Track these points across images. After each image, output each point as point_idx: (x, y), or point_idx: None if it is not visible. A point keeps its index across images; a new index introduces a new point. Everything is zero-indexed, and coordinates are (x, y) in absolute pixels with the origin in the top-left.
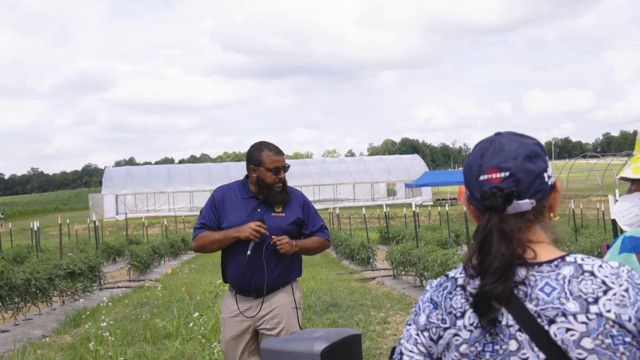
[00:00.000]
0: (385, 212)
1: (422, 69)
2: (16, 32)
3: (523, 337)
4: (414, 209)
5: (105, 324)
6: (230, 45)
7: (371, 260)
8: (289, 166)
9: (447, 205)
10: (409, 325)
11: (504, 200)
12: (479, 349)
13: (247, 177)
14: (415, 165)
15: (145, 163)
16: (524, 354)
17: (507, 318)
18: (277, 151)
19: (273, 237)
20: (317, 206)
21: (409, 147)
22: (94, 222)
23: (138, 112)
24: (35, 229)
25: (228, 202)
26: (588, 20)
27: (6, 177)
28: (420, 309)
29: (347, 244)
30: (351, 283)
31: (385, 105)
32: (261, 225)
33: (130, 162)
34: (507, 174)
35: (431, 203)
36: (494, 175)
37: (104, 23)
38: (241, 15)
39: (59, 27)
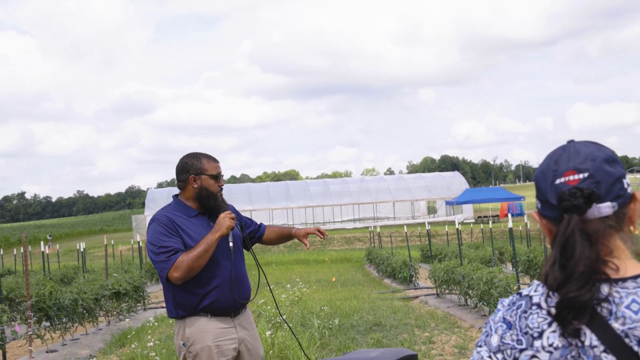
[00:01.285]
0: (428, 230)
1: (461, 85)
2: (63, 58)
3: (609, 358)
4: (457, 226)
5: (151, 343)
6: (269, 66)
7: (413, 278)
8: (223, 175)
9: (490, 222)
10: (480, 347)
11: (585, 200)
12: None
13: (176, 197)
14: (456, 183)
15: None
16: None
17: (590, 338)
18: (215, 158)
19: (320, 228)
20: (356, 225)
21: (448, 164)
22: (138, 242)
23: (179, 134)
24: (82, 250)
25: (178, 223)
26: (632, 31)
27: (53, 199)
28: (492, 330)
29: (389, 263)
30: (394, 302)
31: (424, 123)
32: (232, 213)
33: (172, 183)
34: (586, 174)
35: (472, 220)
36: (571, 177)
37: (146, 48)
38: (279, 36)
39: (104, 52)
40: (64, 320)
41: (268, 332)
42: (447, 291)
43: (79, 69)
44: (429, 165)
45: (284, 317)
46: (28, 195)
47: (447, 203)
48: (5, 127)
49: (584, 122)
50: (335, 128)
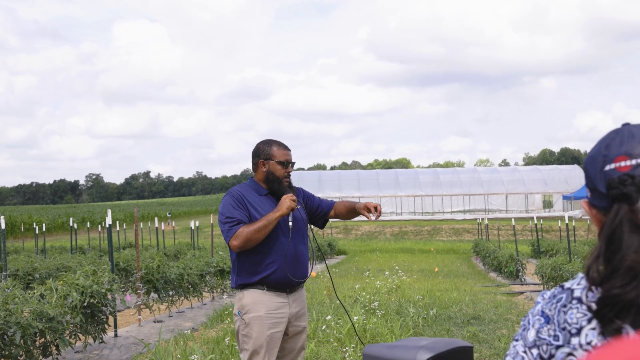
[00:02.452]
0: (536, 224)
1: (586, 74)
2: (189, 45)
3: None
4: (566, 221)
5: None
6: (384, 53)
7: (520, 273)
8: (294, 163)
9: None
10: (516, 340)
11: (636, 188)
12: None
13: (251, 179)
14: (575, 177)
15: (299, 169)
16: None
17: None
18: (286, 146)
19: (376, 205)
20: (466, 216)
21: (568, 157)
22: None
23: (294, 119)
24: (194, 228)
25: (249, 199)
26: None
27: (175, 179)
28: (529, 324)
29: (495, 256)
30: (497, 296)
31: (544, 114)
32: (294, 196)
33: None
34: (639, 160)
35: None
36: (623, 163)
37: (265, 34)
38: (396, 22)
39: (226, 39)
40: (170, 293)
41: (355, 317)
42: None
43: (203, 55)
44: (547, 158)
45: (340, 300)
46: (152, 175)
47: (565, 198)
48: (135, 109)
49: None
50: (450, 117)
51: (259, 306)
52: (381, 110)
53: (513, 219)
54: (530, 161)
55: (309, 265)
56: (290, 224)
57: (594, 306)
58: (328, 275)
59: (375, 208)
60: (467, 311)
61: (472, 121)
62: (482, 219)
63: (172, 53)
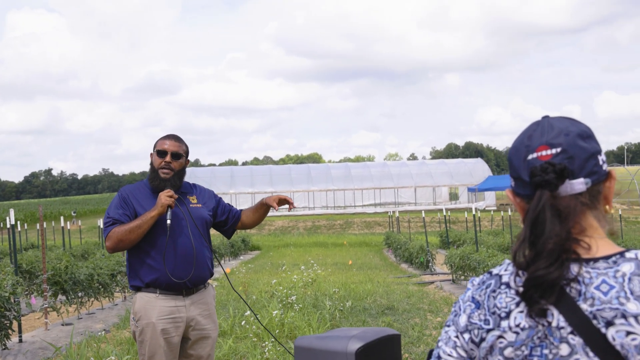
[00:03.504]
0: (445, 216)
1: (487, 71)
2: (91, 37)
3: (576, 340)
4: (473, 212)
5: None
6: (293, 48)
7: (430, 264)
8: (182, 155)
9: (509, 210)
10: (448, 326)
11: (556, 175)
12: (526, 352)
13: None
14: (479, 170)
15: (210, 165)
16: (577, 359)
17: (557, 319)
18: (169, 136)
19: (286, 197)
20: (377, 209)
21: (472, 151)
22: None
23: (203, 114)
24: (102, 226)
25: (136, 197)
26: None
27: (79, 177)
28: (460, 309)
29: (406, 248)
30: (409, 287)
31: (448, 109)
32: (171, 191)
33: (196, 163)
34: (558, 149)
35: (494, 208)
36: (544, 152)
37: (172, 28)
38: (304, 18)
39: (131, 32)
40: (79, 294)
41: (274, 312)
42: (462, 277)
43: (106, 47)
44: (452, 152)
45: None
46: (55, 172)
47: (469, 190)
48: (33, 104)
49: (612, 110)
50: (359, 112)
51: (150, 312)
52: (292, 105)
53: (423, 211)
54: (437, 155)
55: (218, 263)
56: (168, 221)
57: (521, 290)
58: (242, 270)
59: (286, 200)
60: (382, 302)
61: (381, 116)
62: (393, 212)
63: (73, 45)
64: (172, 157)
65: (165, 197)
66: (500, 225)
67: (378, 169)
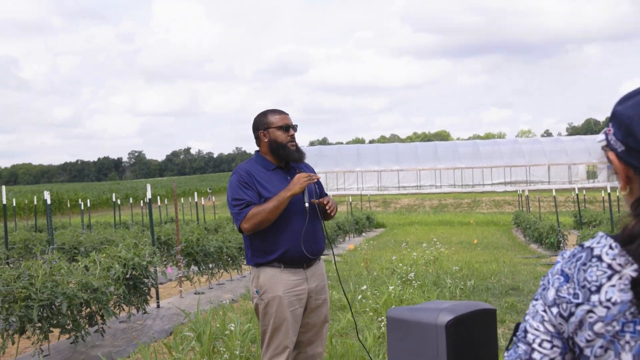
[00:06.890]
0: (577, 195)
1: (632, 40)
2: (225, 22)
3: None
4: (609, 191)
5: None
6: (421, 25)
7: (561, 244)
8: (297, 125)
9: None
10: (536, 300)
11: None
12: (617, 328)
13: (257, 153)
14: None
15: (337, 143)
16: None
17: None
18: (282, 111)
19: (319, 200)
20: (507, 188)
21: None
22: None
23: (331, 94)
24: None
25: (256, 176)
26: None
27: (215, 155)
28: (549, 283)
29: (536, 227)
30: (537, 267)
31: (588, 82)
32: (310, 175)
33: (324, 142)
34: None
35: None
36: None
37: (301, 9)
38: None
39: (262, 15)
40: (210, 265)
41: (391, 287)
42: None
43: (239, 31)
44: (591, 128)
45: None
46: (193, 151)
47: (609, 167)
48: (174, 87)
49: None
50: (490, 88)
51: (276, 286)
52: (419, 82)
53: (554, 190)
54: (574, 131)
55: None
56: (307, 204)
57: (614, 264)
58: (365, 247)
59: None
60: (506, 282)
61: (513, 92)
62: (523, 191)
63: (210, 30)
64: (294, 130)
65: (304, 179)
66: None
67: (508, 147)
